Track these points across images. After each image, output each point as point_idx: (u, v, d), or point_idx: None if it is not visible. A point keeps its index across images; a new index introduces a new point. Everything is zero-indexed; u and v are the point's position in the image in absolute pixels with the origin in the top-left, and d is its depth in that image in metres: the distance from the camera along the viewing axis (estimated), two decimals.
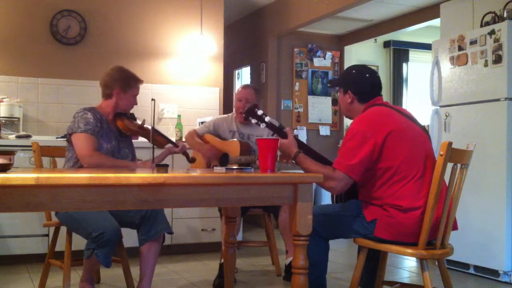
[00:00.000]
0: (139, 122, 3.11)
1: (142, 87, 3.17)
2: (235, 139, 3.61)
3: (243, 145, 3.53)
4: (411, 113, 2.61)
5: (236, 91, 3.93)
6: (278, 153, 2.57)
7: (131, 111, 3.15)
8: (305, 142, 4.00)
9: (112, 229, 2.60)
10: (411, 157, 2.36)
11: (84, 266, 2.81)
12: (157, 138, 3.16)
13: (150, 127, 2.99)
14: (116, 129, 3.04)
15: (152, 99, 2.97)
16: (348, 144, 2.40)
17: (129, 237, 2.91)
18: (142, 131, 3.10)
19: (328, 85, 2.47)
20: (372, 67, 3.29)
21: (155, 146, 3.19)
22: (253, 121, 2.52)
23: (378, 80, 2.61)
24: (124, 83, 3.02)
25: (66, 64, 4.69)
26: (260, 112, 2.51)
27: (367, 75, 2.58)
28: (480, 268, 3.78)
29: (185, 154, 3.34)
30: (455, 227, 2.47)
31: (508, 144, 3.61)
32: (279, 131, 2.53)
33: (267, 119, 2.51)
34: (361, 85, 2.56)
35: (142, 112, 3.95)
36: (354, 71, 2.62)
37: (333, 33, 6.88)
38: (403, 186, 2.34)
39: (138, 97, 3.10)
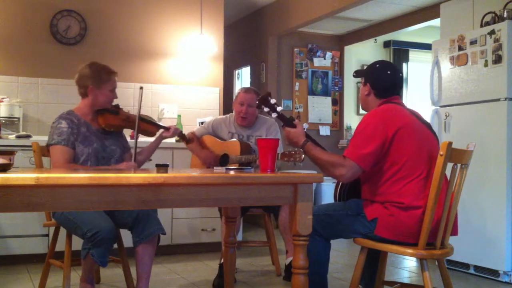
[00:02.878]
0: (125, 112, 2.95)
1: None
2: (235, 139, 3.61)
3: (243, 145, 3.52)
4: (422, 116, 2.62)
5: (236, 92, 3.90)
6: (280, 151, 2.58)
7: (115, 103, 3.02)
8: None
9: (107, 228, 2.58)
10: (417, 156, 2.37)
11: (83, 266, 2.80)
12: (145, 128, 3.03)
13: (136, 118, 2.82)
14: (98, 128, 2.96)
15: (141, 87, 2.81)
16: (359, 135, 2.42)
17: (129, 237, 2.90)
18: (127, 123, 2.98)
19: (354, 74, 2.55)
20: None
21: (146, 136, 3.06)
22: (265, 109, 2.53)
23: (399, 80, 2.62)
24: (96, 79, 2.91)
25: (66, 64, 4.68)
26: (273, 101, 2.53)
27: (389, 72, 2.59)
28: (480, 268, 3.78)
29: (180, 135, 3.19)
30: (455, 233, 2.46)
31: (508, 144, 3.61)
32: (289, 122, 2.53)
33: (279, 109, 2.53)
34: (380, 81, 2.58)
35: (143, 112, 3.93)
36: (377, 65, 2.64)
37: (333, 33, 6.88)
38: (406, 184, 2.34)
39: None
